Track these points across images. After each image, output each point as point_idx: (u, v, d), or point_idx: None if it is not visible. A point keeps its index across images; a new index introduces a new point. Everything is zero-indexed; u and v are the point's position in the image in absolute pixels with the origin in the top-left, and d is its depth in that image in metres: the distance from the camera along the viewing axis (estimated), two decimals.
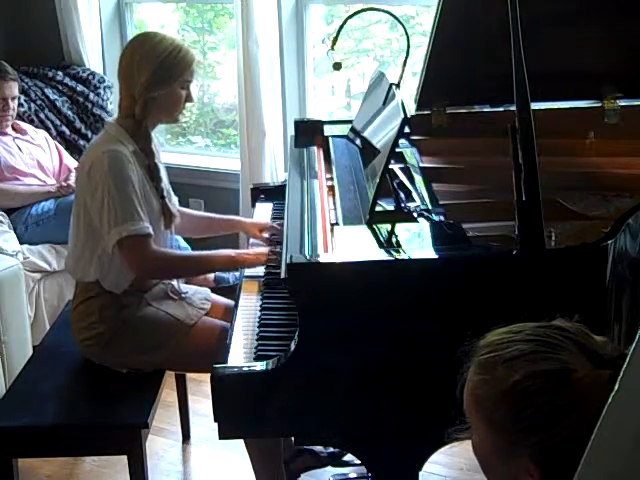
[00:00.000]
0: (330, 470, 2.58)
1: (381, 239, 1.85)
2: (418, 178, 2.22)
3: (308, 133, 2.78)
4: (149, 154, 2.26)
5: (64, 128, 3.87)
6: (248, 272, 2.30)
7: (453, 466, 2.68)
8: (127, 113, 2.24)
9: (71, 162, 3.59)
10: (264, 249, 2.32)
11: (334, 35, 2.65)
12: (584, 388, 1.04)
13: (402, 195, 2.09)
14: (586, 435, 0.89)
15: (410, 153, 2.43)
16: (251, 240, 2.58)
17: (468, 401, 1.14)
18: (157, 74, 2.18)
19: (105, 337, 2.25)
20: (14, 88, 3.37)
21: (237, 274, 2.55)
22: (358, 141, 2.48)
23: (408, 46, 2.59)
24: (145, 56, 2.19)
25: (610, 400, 0.84)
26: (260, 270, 2.28)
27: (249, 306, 2.12)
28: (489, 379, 1.09)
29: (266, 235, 2.53)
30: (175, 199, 2.45)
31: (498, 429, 1.09)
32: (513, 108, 1.78)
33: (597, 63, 2.43)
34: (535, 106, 1.80)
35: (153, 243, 2.18)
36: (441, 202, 2.08)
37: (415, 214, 1.99)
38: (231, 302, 2.42)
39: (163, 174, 2.35)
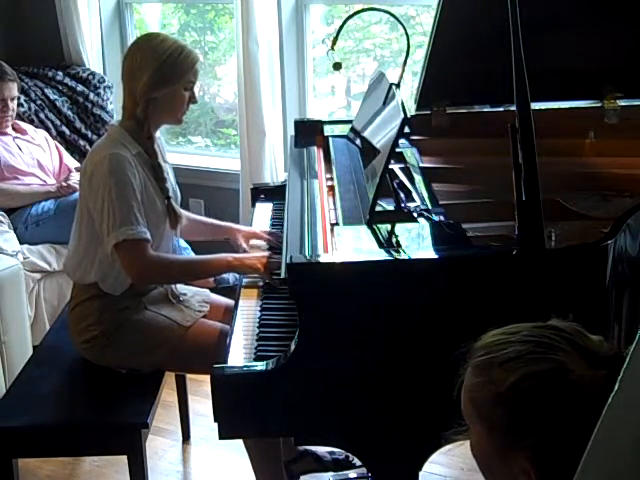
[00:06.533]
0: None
1: (381, 239, 1.85)
2: (418, 178, 2.23)
3: (308, 133, 2.77)
4: (152, 155, 2.25)
5: (64, 128, 3.87)
6: (247, 279, 2.27)
7: (453, 466, 2.69)
8: (130, 115, 2.23)
9: (71, 162, 3.59)
10: (263, 254, 2.29)
11: (334, 35, 2.65)
12: (580, 388, 1.04)
13: (402, 195, 2.09)
14: (583, 435, 0.89)
15: (410, 153, 2.43)
16: (251, 242, 2.57)
17: (465, 403, 1.13)
18: (159, 74, 2.17)
19: (102, 339, 2.25)
20: (13, 89, 3.37)
21: (237, 275, 2.54)
22: (358, 141, 2.48)
23: (408, 46, 2.59)
24: (147, 56, 2.17)
25: (610, 400, 0.84)
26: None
27: (249, 306, 2.12)
28: (485, 381, 1.09)
29: (258, 243, 2.51)
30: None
31: (495, 430, 1.09)
32: (513, 108, 1.79)
33: (597, 63, 2.43)
34: (535, 106, 1.80)
35: (150, 248, 2.17)
36: (441, 202, 2.08)
37: (415, 214, 1.99)
38: (231, 302, 2.41)
39: (169, 175, 2.34)
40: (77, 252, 2.28)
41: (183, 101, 2.23)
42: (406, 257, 1.76)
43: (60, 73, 3.97)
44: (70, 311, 2.34)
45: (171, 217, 2.27)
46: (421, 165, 2.37)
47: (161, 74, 2.17)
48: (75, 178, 3.43)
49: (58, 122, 3.86)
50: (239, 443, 2.22)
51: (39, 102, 3.84)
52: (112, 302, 2.26)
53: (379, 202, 1.99)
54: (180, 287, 2.41)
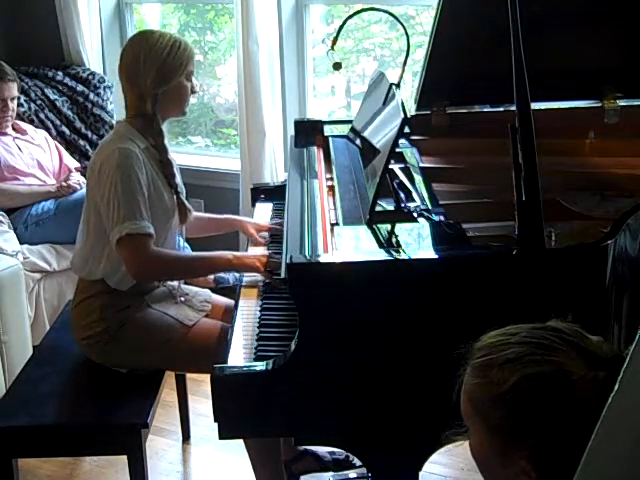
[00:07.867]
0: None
1: (381, 239, 1.85)
2: (418, 178, 2.23)
3: (308, 133, 2.78)
4: (162, 150, 2.26)
5: (64, 128, 3.87)
6: (247, 279, 2.28)
7: (453, 466, 2.69)
8: (135, 112, 2.25)
9: (71, 162, 3.59)
10: (263, 253, 2.30)
11: (334, 35, 2.65)
12: (580, 390, 1.04)
13: (402, 195, 2.09)
14: (583, 436, 0.89)
15: (410, 153, 2.43)
16: (261, 233, 2.57)
17: (465, 404, 1.14)
18: (164, 70, 2.20)
19: (104, 336, 2.25)
20: (13, 89, 3.37)
21: (237, 274, 2.54)
22: (358, 141, 2.48)
23: (408, 46, 2.59)
24: (149, 54, 2.19)
25: (610, 400, 0.84)
26: (260, 277, 2.26)
27: (249, 306, 2.12)
28: (485, 382, 1.09)
29: (264, 235, 2.53)
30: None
31: (495, 431, 1.09)
32: (513, 108, 1.79)
33: (597, 63, 2.43)
34: (535, 106, 1.80)
35: (153, 244, 2.18)
36: (441, 202, 2.08)
37: (415, 214, 1.99)
38: (231, 302, 2.41)
39: (176, 170, 2.35)
40: (84, 248, 2.28)
41: (187, 92, 2.27)
42: (406, 257, 1.76)
43: (60, 73, 3.96)
44: (73, 307, 2.34)
45: (181, 211, 2.29)
46: (421, 165, 2.37)
47: (166, 69, 2.20)
48: (75, 178, 3.43)
49: (58, 122, 3.86)
50: (239, 443, 2.23)
51: (39, 102, 3.84)
52: (116, 300, 2.26)
53: (379, 202, 1.99)
54: (183, 286, 2.42)
